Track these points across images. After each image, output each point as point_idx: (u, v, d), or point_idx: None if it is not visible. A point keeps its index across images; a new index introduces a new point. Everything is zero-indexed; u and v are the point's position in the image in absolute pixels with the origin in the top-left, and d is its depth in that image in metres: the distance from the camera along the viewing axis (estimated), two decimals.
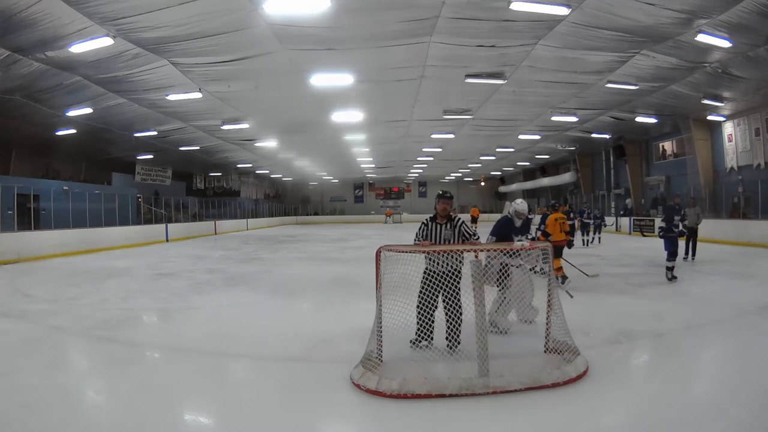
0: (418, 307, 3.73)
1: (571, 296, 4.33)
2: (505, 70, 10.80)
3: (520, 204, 5.05)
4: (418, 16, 7.95)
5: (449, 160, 27.90)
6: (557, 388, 3.15)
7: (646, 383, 3.35)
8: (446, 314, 3.82)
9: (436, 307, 3.73)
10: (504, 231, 4.92)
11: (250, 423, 2.83)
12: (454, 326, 3.79)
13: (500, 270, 4.22)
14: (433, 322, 3.69)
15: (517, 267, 4.33)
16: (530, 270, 4.56)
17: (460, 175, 38.08)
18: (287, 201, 42.59)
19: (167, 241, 18.87)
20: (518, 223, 5.00)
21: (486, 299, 3.36)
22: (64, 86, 10.82)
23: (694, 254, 9.85)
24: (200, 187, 32.68)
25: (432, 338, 3.73)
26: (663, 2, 7.38)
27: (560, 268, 6.98)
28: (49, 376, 3.59)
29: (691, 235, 9.99)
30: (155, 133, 16.53)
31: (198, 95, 11.84)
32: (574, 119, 15.98)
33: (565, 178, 28.49)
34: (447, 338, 3.84)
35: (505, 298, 4.30)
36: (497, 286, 4.30)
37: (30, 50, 8.66)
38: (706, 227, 12.25)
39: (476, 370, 3.18)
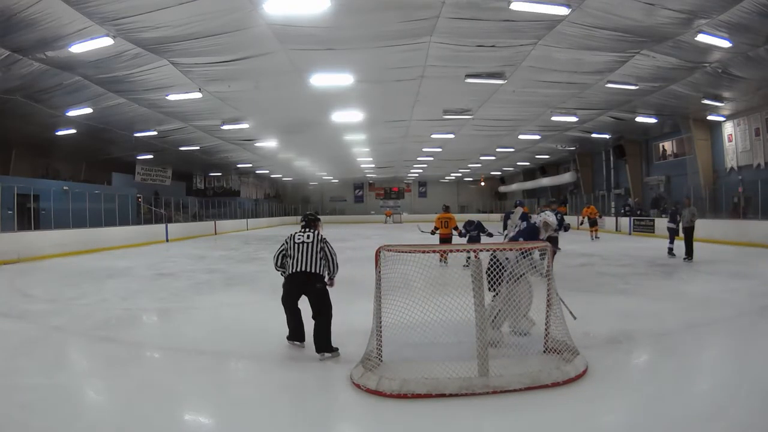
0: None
1: (575, 318, 4.19)
2: (505, 70, 10.80)
3: (549, 216, 4.91)
4: (418, 16, 7.95)
5: (449, 160, 27.90)
6: (557, 388, 3.15)
7: (646, 383, 3.34)
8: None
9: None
10: (532, 237, 4.62)
11: (250, 423, 2.83)
12: (326, 327, 3.90)
13: (493, 275, 3.79)
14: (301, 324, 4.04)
15: (510, 274, 3.92)
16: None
17: (460, 175, 38.07)
18: (287, 201, 42.61)
19: (167, 241, 18.86)
20: (544, 235, 4.67)
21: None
22: (64, 86, 10.81)
23: (691, 254, 9.83)
24: (200, 187, 32.70)
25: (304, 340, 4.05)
26: (663, 2, 7.38)
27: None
28: (49, 376, 3.59)
29: (687, 234, 9.99)
30: (155, 133, 16.53)
31: (198, 95, 11.84)
32: (574, 119, 15.98)
33: (565, 178, 28.50)
34: (316, 343, 3.89)
35: (498, 308, 3.93)
36: (491, 292, 3.87)
37: (30, 50, 8.66)
38: (706, 227, 12.28)
39: (476, 370, 3.18)
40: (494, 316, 3.99)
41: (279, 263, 4.21)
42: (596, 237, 16.37)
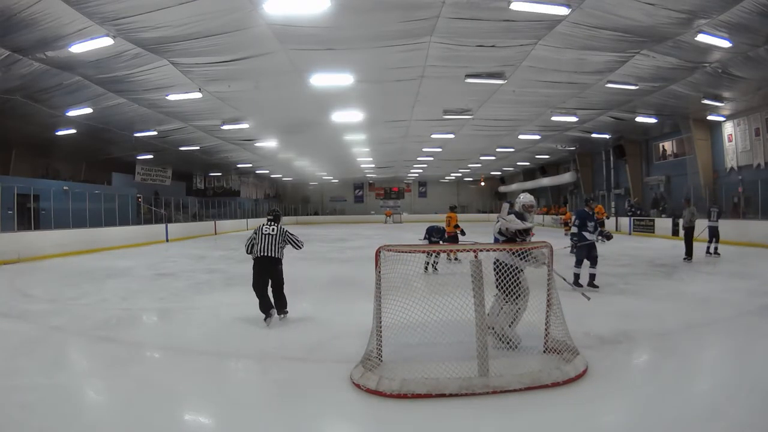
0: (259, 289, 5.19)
1: (588, 298, 4.16)
2: (505, 70, 10.79)
3: (526, 196, 4.47)
4: (418, 16, 7.95)
5: (449, 160, 27.88)
6: (557, 388, 3.15)
7: (646, 383, 3.35)
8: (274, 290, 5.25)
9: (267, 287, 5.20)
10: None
11: (250, 423, 2.83)
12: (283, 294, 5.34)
13: (512, 277, 3.71)
14: (269, 299, 5.17)
15: (521, 271, 3.92)
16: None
17: (460, 175, 38.05)
18: (287, 201, 42.57)
19: (167, 241, 18.86)
20: (529, 218, 4.31)
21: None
22: (64, 86, 10.81)
23: (690, 254, 9.83)
24: (200, 187, 32.70)
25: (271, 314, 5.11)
26: (663, 2, 7.37)
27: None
28: (49, 376, 3.59)
29: (687, 234, 10.00)
30: (155, 133, 16.52)
31: (198, 95, 11.84)
32: (574, 119, 15.97)
33: (565, 178, 28.48)
34: (277, 307, 5.20)
35: (519, 308, 3.90)
36: (507, 296, 3.78)
37: (30, 50, 8.65)
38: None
39: (476, 370, 3.18)
40: (513, 317, 3.93)
41: (249, 250, 5.33)
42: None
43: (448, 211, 10.71)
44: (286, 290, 5.38)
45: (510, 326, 3.93)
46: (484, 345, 3.22)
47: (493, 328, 3.93)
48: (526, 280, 4.00)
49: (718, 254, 10.22)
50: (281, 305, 5.28)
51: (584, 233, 6.84)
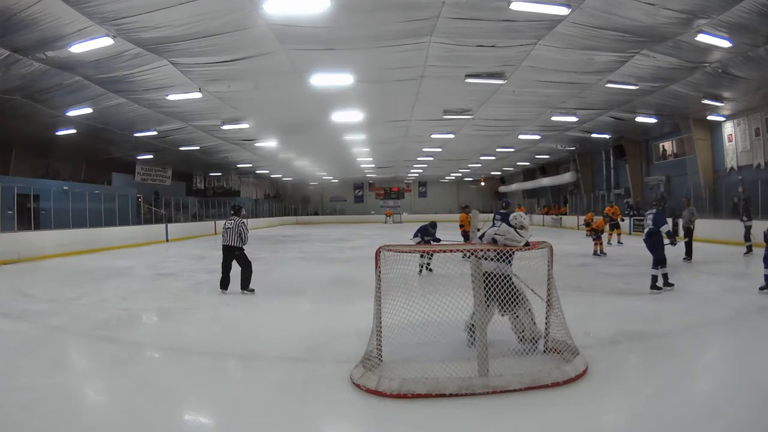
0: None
1: (543, 299, 3.95)
2: (505, 70, 10.79)
3: (525, 220, 4.11)
4: (418, 16, 7.95)
5: (449, 160, 27.89)
6: (557, 388, 3.15)
7: (646, 383, 3.34)
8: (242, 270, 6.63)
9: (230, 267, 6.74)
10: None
11: (250, 423, 2.83)
12: (247, 276, 6.65)
13: (510, 286, 3.54)
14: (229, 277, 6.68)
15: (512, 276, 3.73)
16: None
17: (460, 175, 38.06)
18: (287, 201, 42.57)
19: (167, 241, 18.86)
20: (524, 234, 3.97)
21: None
22: (64, 86, 10.81)
23: (690, 254, 9.82)
24: (200, 187, 32.72)
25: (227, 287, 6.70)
26: (663, 2, 7.37)
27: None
28: (49, 376, 3.59)
29: (687, 234, 9.99)
30: (155, 133, 16.52)
31: (198, 95, 11.84)
32: (574, 119, 15.98)
33: (565, 178, 28.49)
34: (241, 284, 6.61)
35: (530, 307, 3.81)
36: (515, 304, 3.67)
37: (30, 50, 8.65)
38: (707, 227, 12.28)
39: (476, 370, 3.18)
40: (523, 331, 3.81)
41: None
42: (619, 242, 13.79)
43: (463, 210, 11.45)
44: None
45: (534, 323, 3.81)
46: (484, 345, 3.21)
47: (521, 339, 3.76)
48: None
49: (752, 251, 10.40)
50: (245, 284, 6.57)
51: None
